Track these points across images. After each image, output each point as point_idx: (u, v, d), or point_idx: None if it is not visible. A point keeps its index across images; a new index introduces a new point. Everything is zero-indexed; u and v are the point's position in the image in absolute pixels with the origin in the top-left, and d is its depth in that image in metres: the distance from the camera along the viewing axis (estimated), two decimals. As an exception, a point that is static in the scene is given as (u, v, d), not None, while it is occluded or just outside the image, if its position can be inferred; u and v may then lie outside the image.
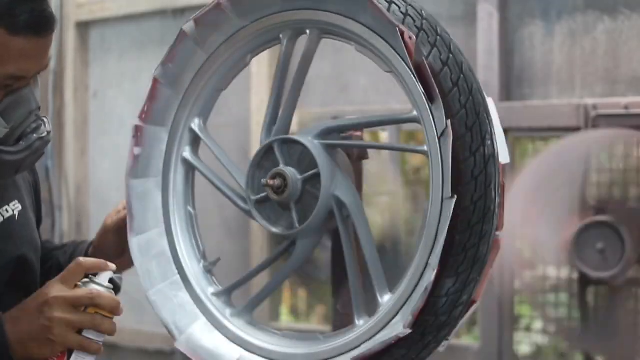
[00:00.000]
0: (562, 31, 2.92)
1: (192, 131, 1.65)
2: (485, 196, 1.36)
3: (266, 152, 1.55)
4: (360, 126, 1.60)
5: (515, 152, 3.09)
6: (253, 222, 1.80)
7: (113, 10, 3.86)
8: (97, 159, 4.03)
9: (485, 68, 2.95)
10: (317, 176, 1.49)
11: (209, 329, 1.59)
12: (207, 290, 1.63)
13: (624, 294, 2.68)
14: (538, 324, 3.24)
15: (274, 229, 1.54)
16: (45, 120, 1.58)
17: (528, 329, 3.32)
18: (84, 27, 4.01)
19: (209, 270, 1.65)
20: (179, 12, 3.67)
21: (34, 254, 1.70)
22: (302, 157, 1.51)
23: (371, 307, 1.47)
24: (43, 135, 1.55)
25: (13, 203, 1.68)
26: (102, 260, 1.47)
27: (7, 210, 1.66)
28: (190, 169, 1.67)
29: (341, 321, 1.66)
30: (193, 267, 1.64)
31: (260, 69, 3.45)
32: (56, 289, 1.43)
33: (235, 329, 1.58)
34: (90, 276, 1.45)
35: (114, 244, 1.80)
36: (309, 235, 1.53)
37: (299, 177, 1.51)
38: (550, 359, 3.28)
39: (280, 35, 1.54)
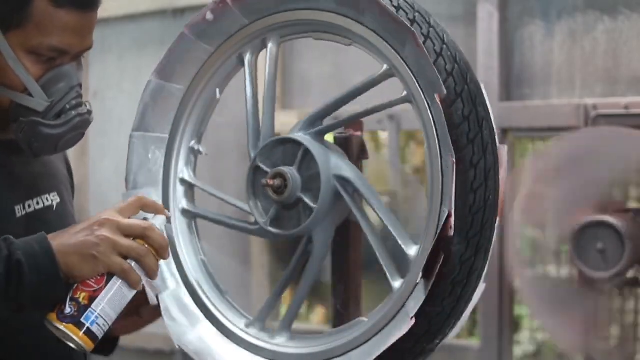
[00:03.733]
0: (562, 31, 2.92)
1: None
2: (484, 158, 1.38)
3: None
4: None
5: (515, 152, 3.09)
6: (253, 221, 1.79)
7: (113, 10, 3.86)
8: (97, 159, 4.03)
9: (485, 68, 2.95)
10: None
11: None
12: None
13: (625, 294, 2.68)
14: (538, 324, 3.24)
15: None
16: (87, 103, 1.59)
17: (528, 329, 3.32)
18: (84, 27, 4.01)
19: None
20: (179, 12, 3.67)
21: None
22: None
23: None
24: (83, 112, 1.56)
25: (53, 194, 1.68)
26: (161, 205, 1.46)
27: (46, 199, 1.66)
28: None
29: (341, 321, 1.66)
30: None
31: (260, 69, 3.45)
32: (111, 214, 1.40)
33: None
34: (145, 217, 1.43)
35: None
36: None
37: (294, 167, 1.51)
38: (550, 359, 3.28)
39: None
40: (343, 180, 1.50)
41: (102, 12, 1.57)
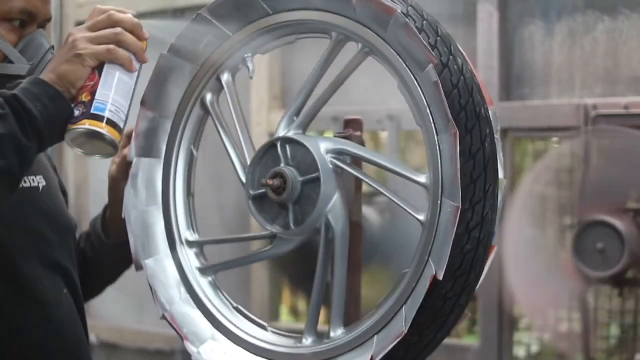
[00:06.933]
0: (562, 31, 2.92)
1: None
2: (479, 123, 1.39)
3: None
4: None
5: (515, 152, 3.09)
6: (253, 222, 1.79)
7: (113, 11, 3.86)
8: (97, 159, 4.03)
9: (485, 68, 2.95)
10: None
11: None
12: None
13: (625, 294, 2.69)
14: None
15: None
16: None
17: (528, 329, 3.32)
18: (84, 27, 4.01)
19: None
20: (179, 12, 3.67)
21: (55, 233, 1.68)
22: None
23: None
24: None
25: (38, 177, 1.68)
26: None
27: (32, 180, 1.67)
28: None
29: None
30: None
31: (260, 69, 3.45)
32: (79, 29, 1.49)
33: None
34: None
35: None
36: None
37: (300, 178, 1.50)
38: (550, 359, 3.28)
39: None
40: (329, 225, 1.49)
41: (102, 12, 1.58)
